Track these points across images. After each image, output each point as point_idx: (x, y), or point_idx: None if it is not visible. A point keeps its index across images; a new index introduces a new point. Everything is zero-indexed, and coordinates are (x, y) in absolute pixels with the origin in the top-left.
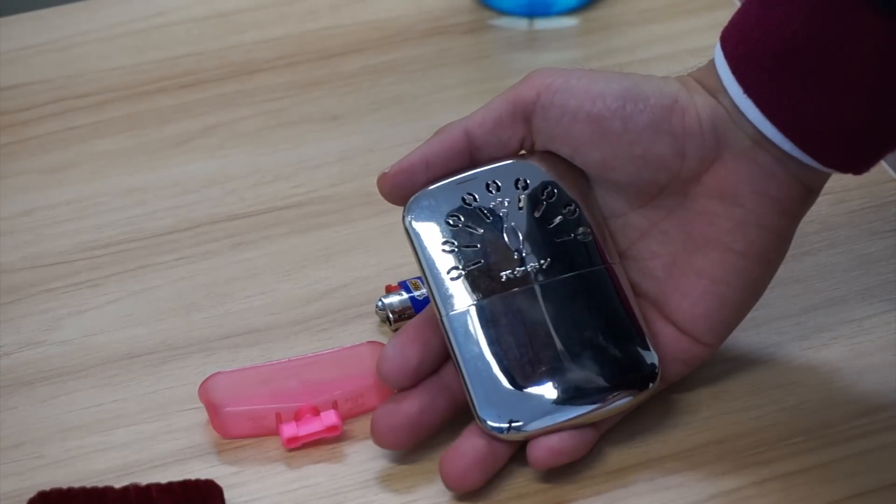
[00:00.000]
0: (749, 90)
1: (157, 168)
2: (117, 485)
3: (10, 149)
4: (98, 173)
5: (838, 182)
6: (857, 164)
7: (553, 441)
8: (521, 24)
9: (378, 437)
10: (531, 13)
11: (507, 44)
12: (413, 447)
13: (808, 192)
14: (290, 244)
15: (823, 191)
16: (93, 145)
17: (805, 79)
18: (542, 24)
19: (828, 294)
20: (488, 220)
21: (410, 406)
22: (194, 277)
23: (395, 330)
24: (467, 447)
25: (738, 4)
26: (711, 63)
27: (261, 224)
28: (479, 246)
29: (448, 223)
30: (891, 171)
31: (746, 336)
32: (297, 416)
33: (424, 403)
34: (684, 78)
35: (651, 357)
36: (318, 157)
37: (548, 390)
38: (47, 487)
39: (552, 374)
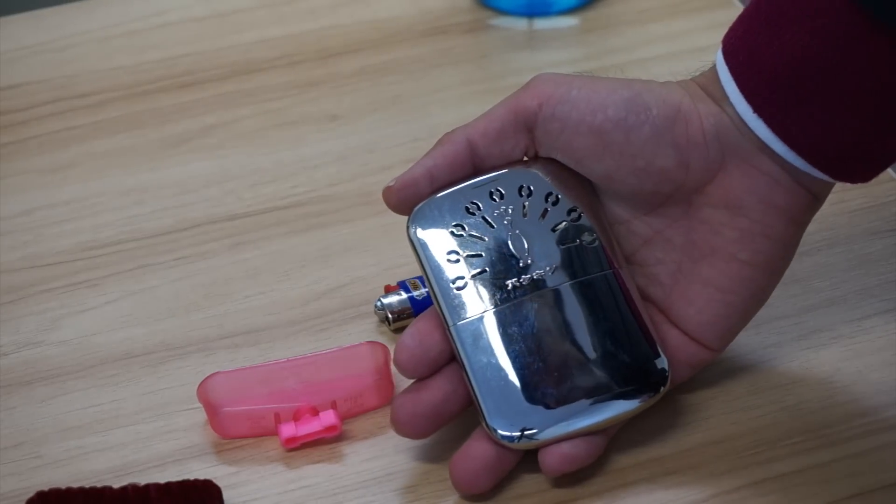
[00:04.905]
0: (759, 109)
1: (156, 168)
2: (116, 485)
3: (8, 149)
4: (97, 173)
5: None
6: (867, 174)
7: (565, 448)
8: (521, 23)
9: (399, 426)
10: (531, 13)
11: (507, 43)
12: (420, 442)
13: (815, 200)
14: (289, 244)
15: None
16: (92, 145)
17: (817, 101)
18: (541, 23)
19: (827, 294)
20: (493, 229)
21: (433, 395)
22: (193, 277)
23: (394, 330)
24: (477, 451)
25: (738, 4)
26: (714, 70)
27: (260, 224)
28: (484, 255)
29: (453, 233)
30: (890, 171)
31: (746, 336)
32: (296, 416)
33: (447, 392)
34: (687, 83)
35: (661, 361)
36: (317, 156)
37: (558, 398)
38: (46, 487)
39: (563, 381)
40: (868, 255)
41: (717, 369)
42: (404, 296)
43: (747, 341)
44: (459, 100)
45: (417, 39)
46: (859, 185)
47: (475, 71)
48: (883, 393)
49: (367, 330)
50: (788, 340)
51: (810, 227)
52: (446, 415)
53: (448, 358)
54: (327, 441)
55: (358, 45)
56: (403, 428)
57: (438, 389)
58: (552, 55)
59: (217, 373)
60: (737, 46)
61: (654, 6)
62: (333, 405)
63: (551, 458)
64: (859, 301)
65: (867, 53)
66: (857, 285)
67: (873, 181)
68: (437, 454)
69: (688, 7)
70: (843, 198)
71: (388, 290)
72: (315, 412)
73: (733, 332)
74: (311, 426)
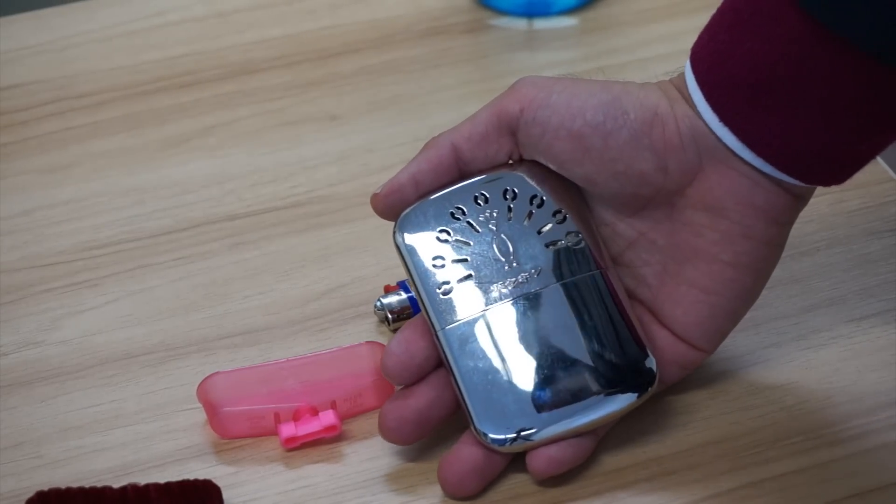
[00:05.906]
0: (725, 118)
1: (156, 168)
2: (116, 485)
3: (8, 149)
4: (97, 173)
5: None
6: (839, 177)
7: (552, 450)
8: (521, 23)
9: (386, 432)
10: (530, 13)
11: (506, 44)
12: (418, 442)
13: (796, 200)
14: (289, 244)
15: (822, 191)
16: (91, 145)
17: (779, 108)
18: (541, 23)
19: (826, 294)
20: (478, 233)
21: (418, 401)
22: (193, 277)
23: (394, 330)
24: (465, 454)
25: None
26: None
27: (259, 224)
28: (470, 259)
29: (438, 238)
30: (890, 171)
31: (745, 336)
32: (296, 416)
33: (432, 398)
34: (665, 85)
35: (650, 361)
36: (316, 157)
37: (546, 400)
38: (46, 487)
39: (550, 382)
40: (867, 255)
41: (716, 369)
42: (404, 296)
43: (746, 341)
44: (458, 100)
45: (417, 39)
46: (860, 186)
47: (474, 71)
48: (882, 393)
49: (367, 330)
50: (788, 340)
51: (809, 227)
52: (433, 420)
53: (434, 364)
54: (327, 441)
55: (357, 45)
56: (390, 434)
57: (424, 395)
58: (551, 55)
59: (217, 373)
60: (702, 55)
61: (654, 6)
62: (333, 405)
63: (538, 462)
64: (858, 301)
65: (820, 59)
66: (856, 285)
67: (873, 181)
68: (437, 455)
69: (688, 7)
70: (843, 198)
71: (388, 290)
72: (315, 412)
73: (722, 333)
74: (310, 426)
